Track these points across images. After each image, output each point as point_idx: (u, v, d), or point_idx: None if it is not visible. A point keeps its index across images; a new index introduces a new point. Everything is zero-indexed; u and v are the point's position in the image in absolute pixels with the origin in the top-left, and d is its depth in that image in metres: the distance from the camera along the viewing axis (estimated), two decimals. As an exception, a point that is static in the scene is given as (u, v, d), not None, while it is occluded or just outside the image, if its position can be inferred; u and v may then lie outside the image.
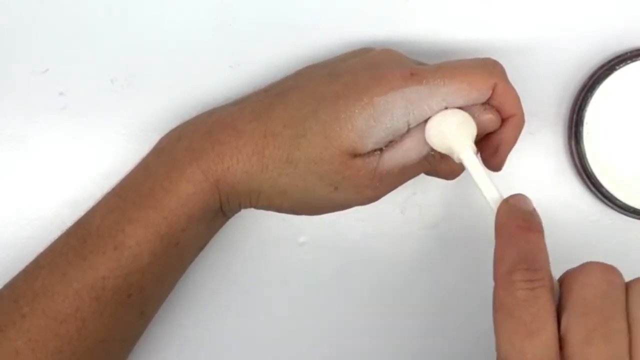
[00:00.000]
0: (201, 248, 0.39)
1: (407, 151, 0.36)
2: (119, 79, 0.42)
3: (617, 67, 0.41)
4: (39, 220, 0.41)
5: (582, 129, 0.42)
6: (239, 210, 0.39)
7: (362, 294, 0.44)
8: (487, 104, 0.37)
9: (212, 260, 0.43)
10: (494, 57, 0.37)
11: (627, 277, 0.43)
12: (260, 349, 0.43)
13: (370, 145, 0.35)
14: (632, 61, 0.41)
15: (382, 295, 0.44)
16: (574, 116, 0.42)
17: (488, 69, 0.36)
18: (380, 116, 0.35)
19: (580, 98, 0.42)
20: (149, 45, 0.42)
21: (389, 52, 0.38)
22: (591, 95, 0.42)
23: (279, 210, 0.38)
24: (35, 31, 0.42)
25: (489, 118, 0.37)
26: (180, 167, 0.36)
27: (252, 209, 0.42)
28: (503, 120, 0.37)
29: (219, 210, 0.38)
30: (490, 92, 0.36)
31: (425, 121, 0.36)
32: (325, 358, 0.44)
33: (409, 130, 0.36)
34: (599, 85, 0.42)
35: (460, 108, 0.36)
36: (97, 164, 0.42)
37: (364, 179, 0.36)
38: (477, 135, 0.37)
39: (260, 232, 0.43)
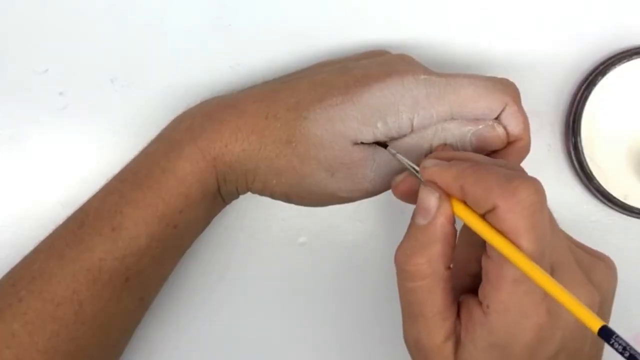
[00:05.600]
0: (199, 232, 0.39)
1: (407, 150, 0.36)
2: (119, 79, 0.42)
3: (612, 67, 0.42)
4: (39, 220, 0.41)
5: (581, 128, 0.42)
6: (237, 195, 0.39)
7: (362, 294, 0.44)
8: (497, 121, 0.37)
9: (211, 259, 0.43)
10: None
11: (628, 277, 0.43)
12: (259, 349, 0.43)
13: (372, 135, 0.36)
14: (629, 60, 0.42)
15: (382, 295, 0.43)
16: (573, 116, 0.42)
17: (501, 87, 0.37)
18: (387, 109, 0.35)
19: (578, 97, 0.42)
20: (149, 45, 0.42)
21: (404, 57, 0.39)
22: (589, 95, 0.42)
23: (273, 194, 0.38)
24: (35, 31, 0.42)
25: (495, 135, 0.37)
26: (178, 147, 0.36)
27: (252, 210, 0.42)
28: (509, 143, 0.37)
29: (217, 193, 0.38)
30: (499, 110, 0.36)
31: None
32: (325, 358, 0.44)
33: (412, 131, 0.36)
34: (597, 84, 0.42)
35: (469, 120, 0.36)
36: (97, 164, 0.42)
37: (361, 168, 0.36)
38: (482, 151, 0.37)
39: (260, 232, 0.43)
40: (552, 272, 0.31)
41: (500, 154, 0.37)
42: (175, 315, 0.43)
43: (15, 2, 0.41)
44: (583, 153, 0.42)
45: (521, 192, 0.29)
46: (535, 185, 0.30)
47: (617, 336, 0.26)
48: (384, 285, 0.44)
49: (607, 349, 0.36)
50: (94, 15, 0.42)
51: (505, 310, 0.30)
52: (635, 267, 0.44)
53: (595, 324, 0.27)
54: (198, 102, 0.40)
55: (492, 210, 0.30)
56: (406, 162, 0.35)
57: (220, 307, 0.43)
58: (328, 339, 0.44)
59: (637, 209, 0.42)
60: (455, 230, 0.33)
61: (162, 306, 0.41)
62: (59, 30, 0.42)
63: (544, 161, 0.44)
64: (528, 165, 0.42)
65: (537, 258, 0.29)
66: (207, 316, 0.43)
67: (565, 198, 0.44)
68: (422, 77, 0.36)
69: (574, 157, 0.43)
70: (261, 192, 0.38)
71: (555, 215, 0.43)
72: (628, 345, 0.27)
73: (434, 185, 0.32)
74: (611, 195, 0.42)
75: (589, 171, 0.42)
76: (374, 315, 0.44)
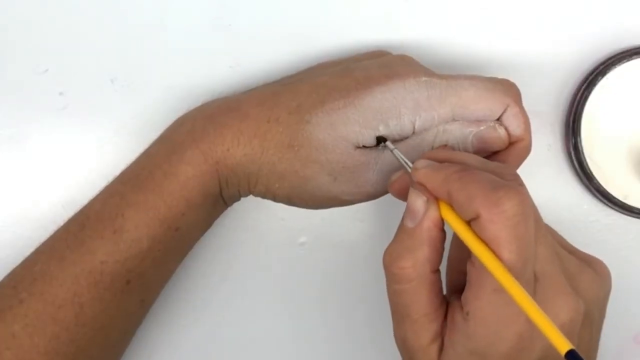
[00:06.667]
0: (200, 235, 0.39)
1: (409, 152, 0.36)
2: (119, 79, 0.42)
3: (612, 67, 0.42)
4: (39, 220, 0.41)
5: (581, 128, 0.42)
6: (239, 197, 0.39)
7: (362, 294, 0.44)
8: (499, 122, 0.37)
9: (212, 260, 0.43)
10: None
11: (628, 277, 0.43)
12: (259, 349, 0.43)
13: (374, 138, 0.36)
14: (629, 60, 0.42)
15: (382, 295, 0.43)
16: (573, 116, 0.42)
17: (502, 88, 0.37)
18: (389, 112, 0.35)
19: (578, 97, 0.42)
20: (149, 46, 0.42)
21: (405, 58, 0.38)
22: (589, 95, 0.42)
23: (275, 197, 0.38)
24: (35, 31, 0.42)
25: (497, 136, 0.37)
26: (180, 150, 0.36)
27: (252, 210, 0.42)
28: (510, 144, 0.37)
29: (219, 196, 0.38)
30: (501, 111, 0.36)
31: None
32: (325, 358, 0.44)
33: (414, 133, 0.36)
34: (597, 84, 0.42)
35: (471, 122, 0.36)
36: (97, 164, 0.42)
37: (364, 171, 0.36)
38: (484, 152, 0.37)
39: (260, 232, 0.43)
40: (536, 281, 0.31)
41: (501, 155, 0.37)
42: (177, 317, 0.43)
43: (15, 2, 0.41)
44: (583, 153, 0.42)
45: (505, 203, 0.29)
46: (520, 196, 0.29)
47: None
48: (384, 285, 0.44)
49: (600, 352, 0.36)
50: (94, 15, 0.42)
51: (484, 318, 0.30)
52: (635, 267, 0.44)
53: (564, 347, 0.26)
54: (198, 102, 0.40)
55: (476, 218, 0.30)
56: (402, 159, 0.35)
57: (221, 308, 0.43)
58: (329, 338, 0.44)
59: (637, 209, 0.42)
60: (444, 234, 0.32)
61: (163, 307, 0.41)
62: (59, 30, 0.42)
63: (544, 161, 0.44)
64: (528, 165, 0.42)
65: (518, 269, 0.29)
66: (208, 317, 0.43)
67: (565, 198, 0.44)
68: (423, 79, 0.36)
69: (574, 157, 0.43)
70: (263, 195, 0.38)
71: (555, 215, 0.43)
72: None
73: (423, 188, 0.32)
74: (611, 195, 0.42)
75: (589, 171, 0.42)
76: (374, 314, 0.44)
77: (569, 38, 0.43)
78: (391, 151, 0.35)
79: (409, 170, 0.34)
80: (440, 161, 0.33)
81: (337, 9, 0.42)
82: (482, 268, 0.30)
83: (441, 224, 0.32)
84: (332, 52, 0.42)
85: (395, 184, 0.35)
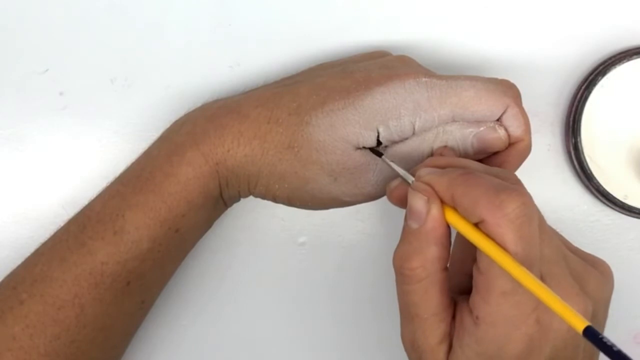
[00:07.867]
0: (200, 236, 0.39)
1: (409, 153, 0.36)
2: (119, 79, 0.42)
3: (612, 67, 0.42)
4: (39, 220, 0.41)
5: (581, 128, 0.42)
6: (239, 198, 0.39)
7: (361, 294, 0.44)
8: (498, 123, 0.37)
9: (212, 260, 0.43)
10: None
11: (628, 277, 0.43)
12: (259, 349, 0.43)
13: (374, 140, 0.36)
14: (629, 60, 0.42)
15: (381, 295, 0.44)
16: (573, 116, 0.42)
17: (503, 89, 0.36)
18: (389, 113, 0.35)
19: (578, 97, 0.42)
20: (149, 45, 0.42)
21: (405, 59, 0.38)
22: (589, 95, 0.42)
23: (275, 198, 0.38)
24: (35, 31, 0.42)
25: (497, 137, 0.37)
26: (181, 151, 0.36)
27: (252, 210, 0.42)
28: (510, 144, 0.37)
29: (219, 197, 0.38)
30: (501, 112, 0.36)
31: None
32: (324, 358, 0.44)
33: (414, 134, 0.36)
34: (597, 84, 0.42)
35: (471, 122, 0.36)
36: (97, 164, 0.42)
37: (364, 172, 0.36)
38: (484, 153, 0.37)
39: (260, 232, 0.43)
40: (543, 281, 0.31)
41: (501, 156, 0.37)
42: (176, 316, 0.43)
43: (15, 2, 0.41)
44: (583, 153, 0.42)
45: (507, 206, 0.29)
46: (522, 198, 0.29)
47: (602, 336, 0.26)
48: (383, 285, 0.44)
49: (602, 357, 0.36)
50: (94, 15, 0.42)
51: (494, 322, 0.30)
52: (635, 267, 0.44)
53: (580, 324, 0.27)
54: (198, 102, 0.40)
55: (480, 222, 0.30)
56: (400, 170, 0.34)
57: (221, 308, 0.43)
58: (328, 338, 0.44)
59: (637, 209, 0.42)
60: (449, 230, 0.32)
61: (163, 307, 0.41)
62: (59, 30, 0.42)
63: (544, 161, 0.44)
64: (528, 165, 0.42)
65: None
66: (208, 316, 0.43)
67: (565, 198, 0.44)
68: (424, 79, 0.36)
69: (574, 157, 0.43)
70: (264, 196, 0.38)
71: (555, 215, 0.43)
72: (614, 344, 0.27)
73: (425, 187, 0.32)
74: (611, 195, 0.42)
75: (589, 171, 0.42)
76: (373, 315, 0.44)
77: (569, 38, 0.43)
78: (388, 165, 0.35)
79: (410, 183, 0.34)
80: (442, 168, 0.33)
81: (337, 9, 0.42)
82: (489, 272, 0.30)
83: (444, 220, 0.32)
84: (332, 52, 0.42)
85: (395, 192, 0.35)
